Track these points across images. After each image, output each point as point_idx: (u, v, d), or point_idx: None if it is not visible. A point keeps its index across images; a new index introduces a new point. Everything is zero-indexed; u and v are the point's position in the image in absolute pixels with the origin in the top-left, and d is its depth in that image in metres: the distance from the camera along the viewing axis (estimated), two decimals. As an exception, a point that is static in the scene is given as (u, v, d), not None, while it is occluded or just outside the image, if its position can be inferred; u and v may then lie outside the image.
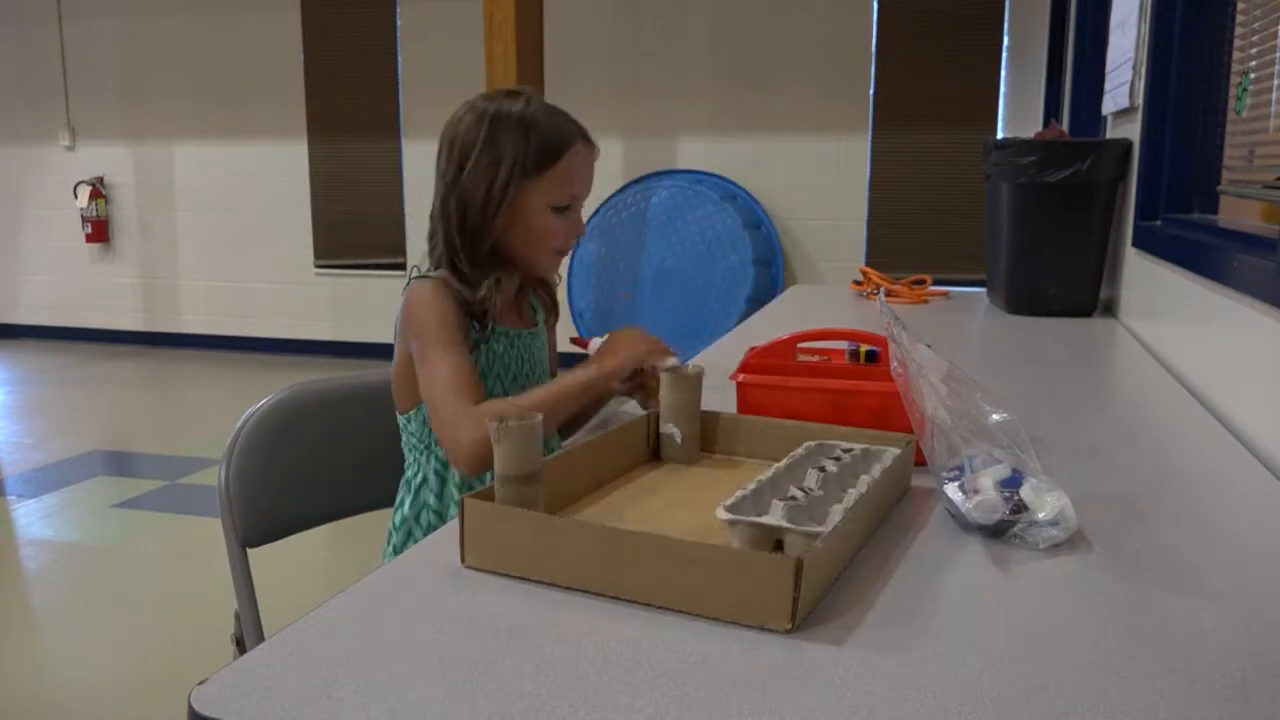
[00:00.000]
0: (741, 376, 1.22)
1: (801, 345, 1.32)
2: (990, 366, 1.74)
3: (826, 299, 2.67)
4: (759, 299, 4.51)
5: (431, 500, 1.24)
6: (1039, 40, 4.41)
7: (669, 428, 1.13)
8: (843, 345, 1.36)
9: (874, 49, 4.94)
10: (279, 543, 1.29)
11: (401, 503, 1.27)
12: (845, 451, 1.01)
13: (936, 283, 2.67)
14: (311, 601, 0.74)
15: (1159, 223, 2.00)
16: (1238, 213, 1.85)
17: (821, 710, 0.60)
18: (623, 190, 5.09)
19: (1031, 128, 4.30)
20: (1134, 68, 2.22)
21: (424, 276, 1.25)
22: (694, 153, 5.21)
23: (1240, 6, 1.80)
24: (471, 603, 0.76)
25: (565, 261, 5.21)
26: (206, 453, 4.00)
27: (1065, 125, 3.52)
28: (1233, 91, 1.84)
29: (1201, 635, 0.70)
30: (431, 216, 1.26)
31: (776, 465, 0.95)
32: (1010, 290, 2.34)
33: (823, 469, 0.95)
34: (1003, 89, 4.80)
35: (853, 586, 0.78)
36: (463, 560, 0.82)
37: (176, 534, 3.20)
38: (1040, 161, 2.23)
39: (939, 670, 0.65)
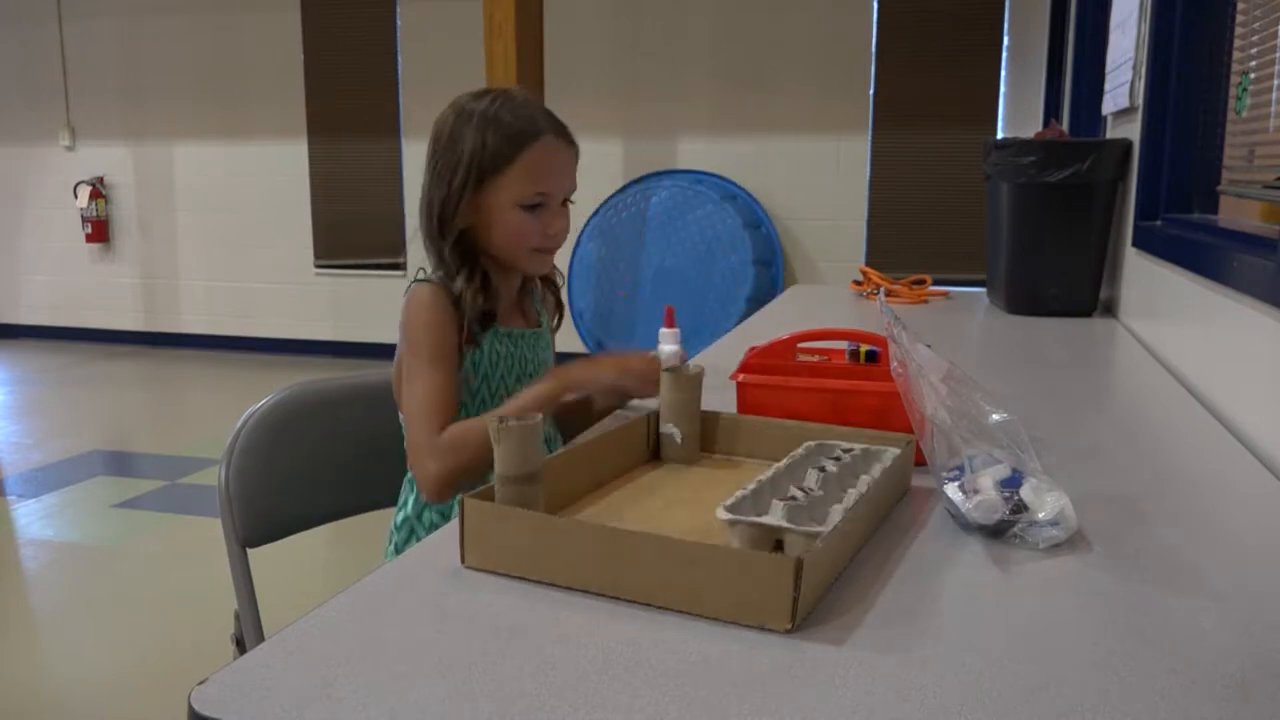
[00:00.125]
0: (741, 376, 1.22)
1: (801, 345, 1.32)
2: (990, 366, 1.74)
3: (826, 299, 2.67)
4: (759, 299, 4.51)
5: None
6: (1039, 40, 4.41)
7: (669, 428, 1.13)
8: (843, 345, 1.36)
9: (874, 49, 4.94)
10: (279, 543, 1.29)
11: (405, 503, 1.27)
12: (845, 451, 1.01)
13: (936, 283, 2.67)
14: (311, 601, 0.74)
15: (1159, 223, 2.00)
16: (1238, 213, 1.85)
17: (821, 710, 0.60)
18: (623, 190, 5.09)
19: (1031, 128, 4.30)
20: (1134, 68, 2.22)
21: (424, 280, 1.25)
22: (694, 153, 5.21)
23: (1240, 6, 1.80)
24: (471, 603, 0.76)
25: (567, 261, 5.21)
26: (206, 453, 4.00)
27: (1065, 125, 3.52)
28: (1233, 91, 1.84)
29: (1201, 635, 0.70)
30: (420, 223, 1.28)
31: (776, 465, 0.95)
32: (1010, 290, 2.34)
33: (823, 469, 0.95)
34: (1003, 89, 4.80)
35: (853, 586, 0.78)
36: (463, 560, 0.82)
37: (176, 534, 3.20)
38: (1040, 161, 2.23)
39: (939, 670, 0.65)
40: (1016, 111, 4.72)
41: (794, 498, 0.86)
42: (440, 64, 5.46)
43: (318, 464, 1.33)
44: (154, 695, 2.19)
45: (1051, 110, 4.12)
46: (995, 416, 0.96)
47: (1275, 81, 1.59)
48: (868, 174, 5.04)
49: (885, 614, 0.74)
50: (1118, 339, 2.04)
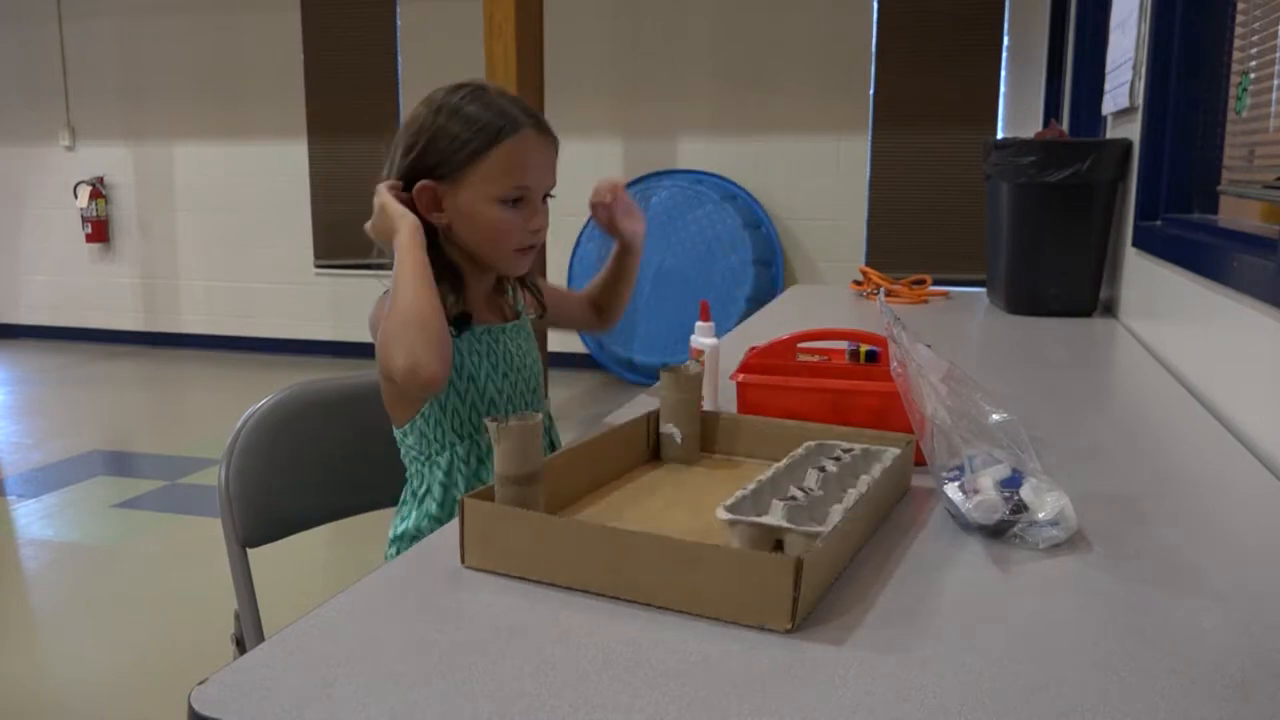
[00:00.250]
0: (741, 376, 1.22)
1: (801, 345, 1.32)
2: (990, 366, 1.74)
3: (826, 299, 2.67)
4: (759, 299, 4.51)
5: (433, 508, 1.23)
6: (1039, 40, 4.41)
7: (669, 428, 1.13)
8: (843, 345, 1.36)
9: (874, 49, 4.94)
10: (279, 543, 1.28)
11: (408, 515, 1.25)
12: (845, 451, 1.01)
13: (936, 283, 2.67)
14: (311, 601, 0.74)
15: (1159, 223, 2.00)
16: (1238, 213, 1.85)
17: (821, 710, 0.60)
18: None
19: (1031, 128, 4.31)
20: (1134, 68, 2.22)
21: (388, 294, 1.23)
22: (694, 153, 5.21)
23: (1240, 6, 1.80)
24: (471, 603, 0.76)
25: (567, 261, 5.20)
26: (206, 453, 4.00)
27: (1065, 125, 3.52)
28: (1233, 91, 1.84)
29: (1201, 635, 0.70)
30: None
31: (776, 465, 0.95)
32: (1010, 290, 2.34)
33: (823, 469, 0.95)
34: (1003, 89, 4.80)
35: (853, 586, 0.78)
36: (463, 560, 0.82)
37: (176, 534, 3.20)
38: (1040, 161, 2.23)
39: (939, 670, 0.65)
40: (1016, 111, 4.73)
41: (794, 498, 0.86)
42: (440, 64, 5.46)
43: (318, 464, 1.33)
44: (154, 695, 2.19)
45: (1051, 110, 4.12)
46: (995, 416, 0.96)
47: (1275, 81, 1.59)
48: (868, 174, 5.04)
49: (885, 614, 0.74)
50: (1118, 339, 2.04)
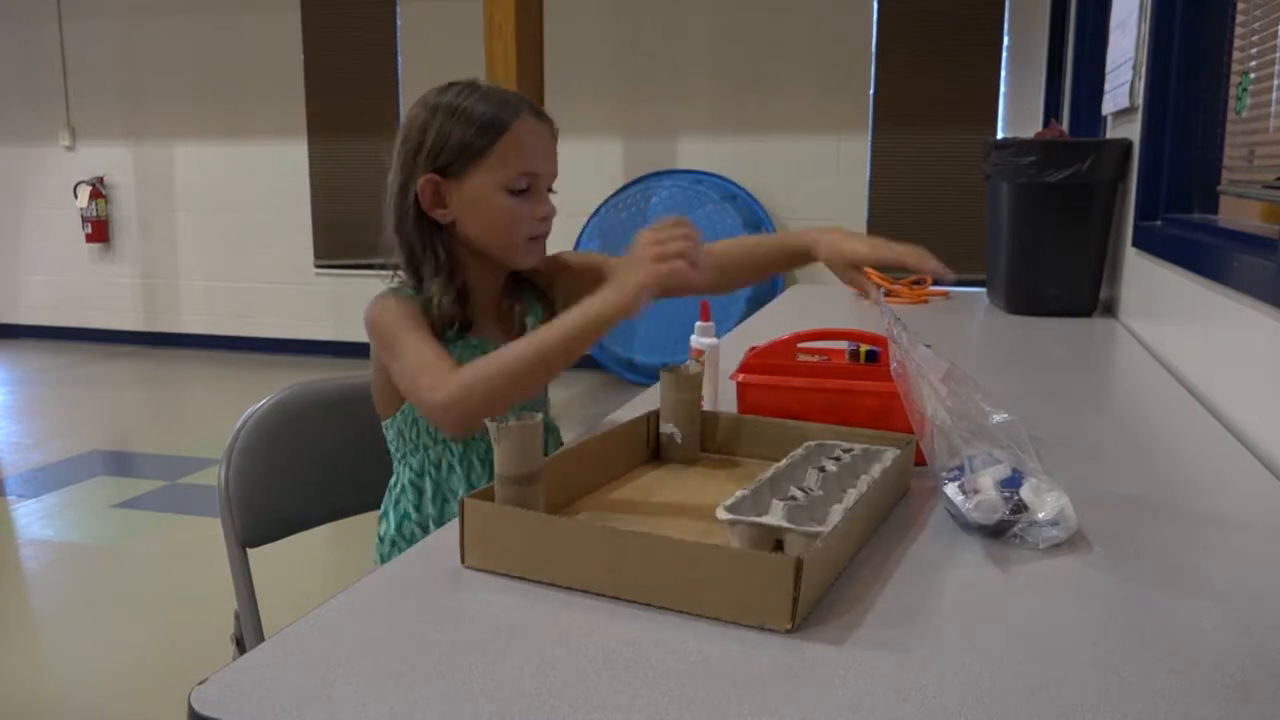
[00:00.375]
0: (741, 376, 1.22)
1: (801, 345, 1.32)
2: (990, 366, 1.74)
3: (826, 299, 2.67)
4: (759, 299, 4.51)
5: (412, 511, 1.23)
6: (1039, 40, 4.41)
7: (669, 428, 1.13)
8: (843, 345, 1.36)
9: (874, 49, 4.94)
10: (279, 543, 1.29)
11: (386, 513, 1.26)
12: (845, 451, 1.01)
13: (936, 283, 2.67)
14: (311, 601, 0.74)
15: (1159, 223, 2.00)
16: (1238, 213, 1.85)
17: (821, 710, 0.60)
18: (623, 190, 5.09)
19: (1031, 128, 4.30)
20: (1134, 68, 2.22)
21: (391, 291, 1.22)
22: (694, 153, 5.21)
23: (1240, 6, 1.80)
24: (471, 603, 0.76)
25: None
26: (206, 453, 4.00)
27: (1065, 125, 3.52)
28: (1233, 91, 1.84)
29: (1201, 635, 0.70)
30: (390, 224, 1.22)
31: (776, 465, 0.95)
32: (1010, 290, 2.34)
33: (823, 469, 0.95)
34: (1003, 89, 4.80)
35: (853, 586, 0.78)
36: (463, 560, 0.82)
37: (176, 534, 3.20)
38: (1040, 161, 2.23)
39: (939, 670, 0.65)
40: (1016, 111, 4.72)
41: (794, 498, 0.86)
42: (440, 64, 5.46)
43: (318, 464, 1.33)
44: (154, 695, 2.19)
45: (1051, 110, 4.12)
46: (995, 417, 0.96)
47: (1275, 81, 1.59)
48: (868, 174, 5.04)
49: (885, 614, 0.74)
50: (1118, 339, 2.04)
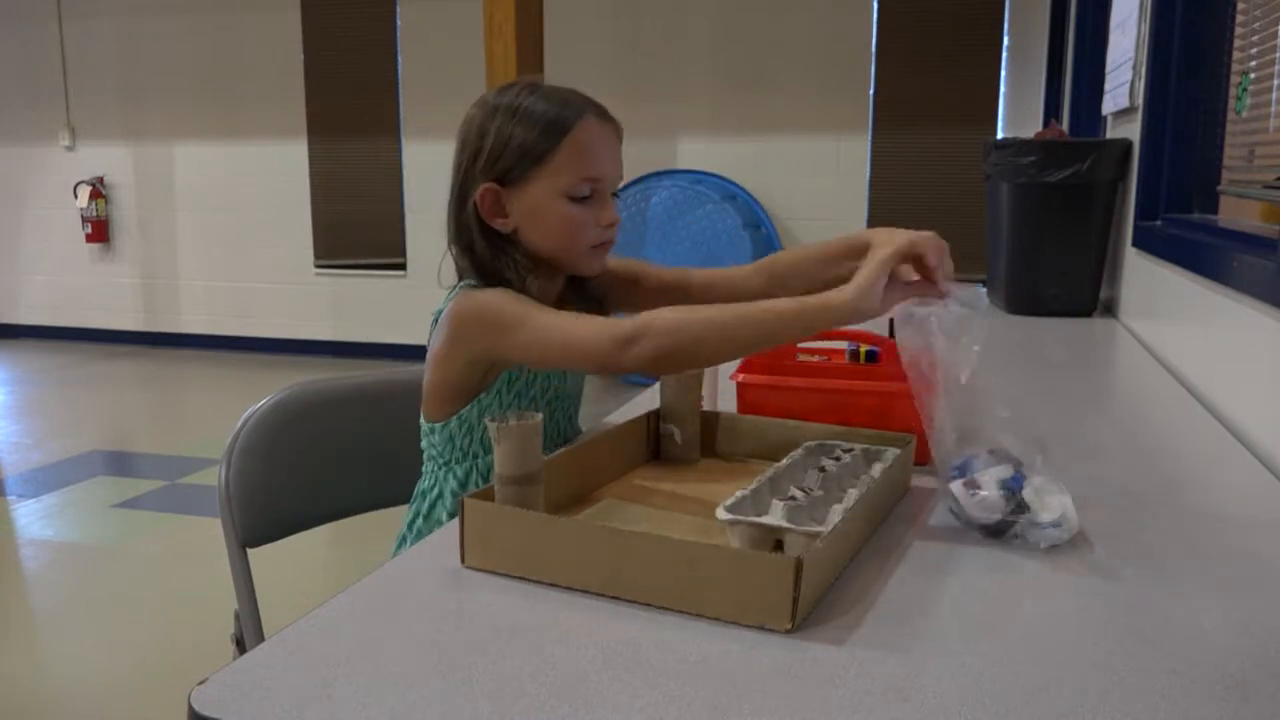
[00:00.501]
0: (741, 376, 1.22)
1: (801, 345, 1.32)
2: (990, 366, 1.74)
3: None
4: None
5: (445, 518, 1.21)
6: (1039, 40, 4.41)
7: (669, 428, 1.13)
8: (843, 345, 1.36)
9: (874, 49, 4.94)
10: (279, 543, 1.28)
11: (416, 514, 1.23)
12: (845, 451, 1.01)
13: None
14: (311, 601, 0.74)
15: (1159, 223, 2.00)
16: (1238, 213, 1.85)
17: (821, 710, 0.60)
18: (622, 190, 5.09)
19: (1031, 128, 4.30)
20: (1134, 68, 2.22)
21: (472, 285, 1.15)
22: (694, 153, 5.21)
23: (1240, 6, 1.80)
24: (471, 603, 0.76)
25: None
26: (206, 453, 4.00)
27: (1065, 125, 3.52)
28: (1233, 91, 1.84)
29: (1201, 635, 0.70)
30: (449, 235, 1.16)
31: (776, 465, 0.95)
32: (1010, 290, 2.34)
33: (823, 469, 0.95)
34: (1003, 89, 4.80)
35: (853, 586, 0.78)
36: (463, 560, 0.82)
37: (176, 534, 3.20)
38: (1040, 161, 2.23)
39: (939, 670, 0.65)
40: (1016, 111, 4.72)
41: (794, 498, 0.86)
42: (440, 64, 5.46)
43: (318, 464, 1.33)
44: (154, 695, 2.19)
45: (1051, 110, 4.12)
46: (999, 416, 0.96)
47: (1275, 81, 1.59)
48: (868, 174, 5.04)
49: (885, 614, 0.74)
50: (1118, 339, 2.04)
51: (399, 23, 5.58)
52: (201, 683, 0.63)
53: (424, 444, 1.22)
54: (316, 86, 5.79)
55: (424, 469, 1.23)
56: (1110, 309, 2.40)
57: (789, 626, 0.70)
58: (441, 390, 1.16)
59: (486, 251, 1.13)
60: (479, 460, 1.18)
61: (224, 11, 5.86)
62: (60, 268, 6.49)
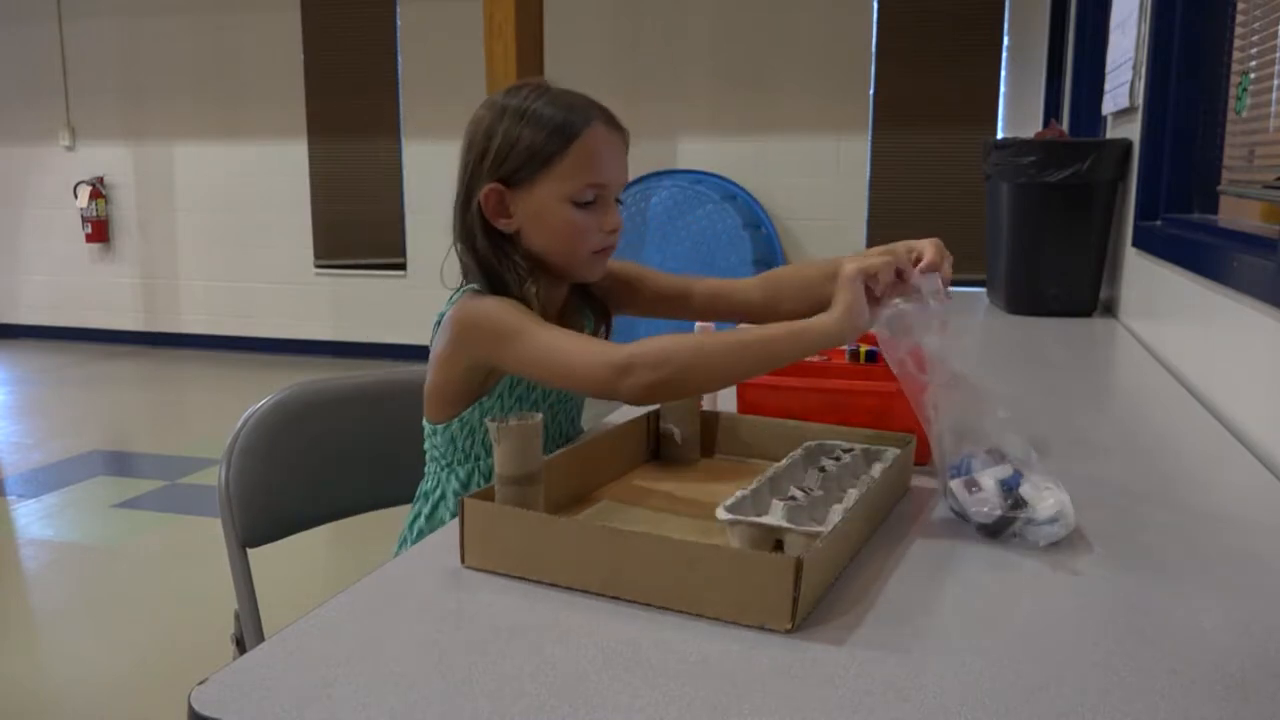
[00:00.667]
0: (741, 376, 1.21)
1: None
2: (990, 366, 1.74)
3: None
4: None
5: (447, 519, 1.21)
6: (1039, 40, 4.41)
7: (669, 427, 1.13)
8: (843, 345, 1.35)
9: (874, 49, 4.94)
10: (279, 543, 1.28)
11: (418, 514, 1.23)
12: (845, 451, 1.01)
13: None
14: (311, 601, 0.74)
15: (1159, 223, 2.00)
16: (1238, 213, 1.85)
17: (821, 710, 0.60)
18: (623, 190, 5.08)
19: (1031, 128, 4.30)
20: (1134, 68, 2.22)
21: (476, 290, 1.15)
22: (694, 153, 5.21)
23: (1240, 6, 1.80)
24: (471, 603, 0.76)
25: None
26: (206, 453, 4.00)
27: (1065, 125, 3.52)
28: (1233, 91, 1.84)
29: (1201, 635, 0.70)
30: (454, 233, 1.15)
31: (776, 465, 0.95)
32: (1010, 290, 2.34)
33: (823, 469, 0.95)
34: (1003, 89, 4.80)
35: (853, 586, 0.78)
36: (463, 560, 0.82)
37: (176, 534, 3.20)
38: (1040, 161, 2.23)
39: (939, 670, 0.65)
40: (1016, 111, 4.72)
41: (794, 498, 0.86)
42: (440, 64, 5.46)
43: (318, 464, 1.33)
44: (154, 695, 2.19)
45: (1051, 110, 4.12)
46: (997, 416, 0.96)
47: (1275, 81, 1.59)
48: (868, 174, 5.04)
49: (885, 614, 0.74)
50: (1118, 339, 2.04)
51: (399, 23, 5.57)
52: (201, 683, 0.63)
53: (426, 445, 1.22)
54: (316, 86, 5.79)
55: (426, 470, 1.23)
56: (1110, 309, 2.40)
57: (789, 626, 0.70)
58: (443, 392, 1.17)
59: (489, 251, 1.13)
60: (481, 462, 1.18)
61: (224, 11, 5.86)
62: (60, 268, 6.49)
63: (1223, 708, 0.61)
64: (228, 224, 6.10)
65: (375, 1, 5.59)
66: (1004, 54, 4.77)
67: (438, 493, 1.20)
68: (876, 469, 0.96)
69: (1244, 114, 1.77)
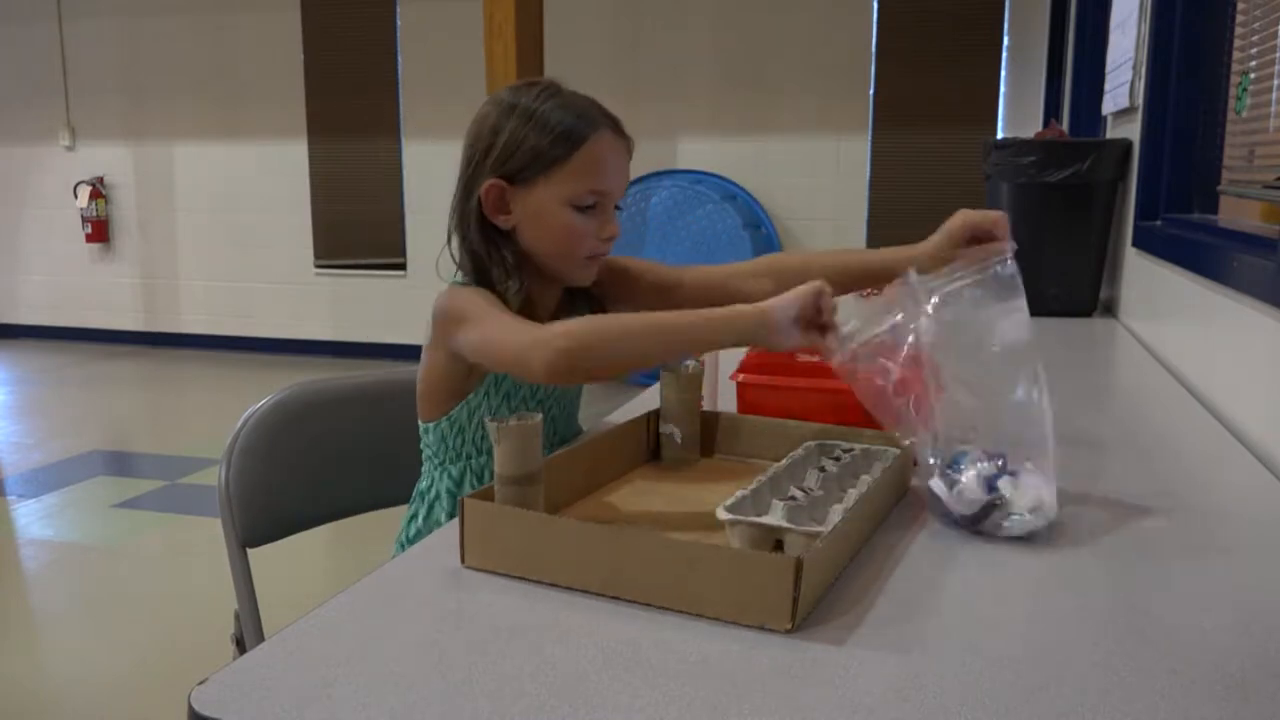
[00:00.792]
0: (741, 376, 1.22)
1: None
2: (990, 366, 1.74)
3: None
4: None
5: (444, 519, 1.21)
6: (1039, 40, 4.41)
7: (669, 428, 1.13)
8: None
9: (874, 49, 4.94)
10: (279, 543, 1.28)
11: (415, 515, 1.23)
12: (845, 451, 1.01)
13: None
14: (311, 601, 0.74)
15: (1159, 223, 2.00)
16: (1238, 213, 1.85)
17: (821, 710, 0.60)
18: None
19: (1031, 128, 4.30)
20: (1134, 68, 2.22)
21: (462, 283, 1.16)
22: (694, 153, 5.21)
23: (1240, 6, 1.80)
24: (471, 603, 0.76)
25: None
26: (206, 453, 4.00)
27: (1065, 125, 3.52)
28: (1233, 91, 1.84)
29: (1201, 635, 0.70)
30: (450, 225, 1.16)
31: (776, 465, 0.95)
32: (1010, 290, 2.34)
33: (823, 469, 0.95)
34: (1003, 89, 4.80)
35: (853, 586, 0.78)
36: (463, 560, 0.82)
37: (176, 534, 3.20)
38: (1040, 161, 2.23)
39: (939, 670, 0.65)
40: (1016, 111, 4.72)
41: (794, 498, 0.86)
42: (440, 64, 5.46)
43: (318, 464, 1.33)
44: (154, 695, 2.19)
45: (1051, 110, 4.12)
46: (975, 403, 0.95)
47: (1275, 81, 1.59)
48: (868, 174, 5.04)
49: (885, 614, 0.74)
50: (1118, 339, 2.04)
51: (399, 23, 5.58)
52: (201, 683, 0.63)
53: (422, 444, 1.23)
54: (316, 86, 5.79)
55: (423, 469, 1.23)
56: (1110, 309, 2.40)
57: (789, 626, 0.70)
58: (430, 389, 1.18)
59: (480, 245, 1.13)
60: (473, 460, 1.18)
61: (224, 11, 5.86)
62: (60, 268, 6.49)
63: (1223, 708, 0.61)
64: (228, 224, 6.10)
65: (375, 1, 5.59)
66: (1004, 54, 4.77)
67: (432, 493, 1.20)
68: (877, 469, 0.96)
69: (1244, 114, 1.77)
